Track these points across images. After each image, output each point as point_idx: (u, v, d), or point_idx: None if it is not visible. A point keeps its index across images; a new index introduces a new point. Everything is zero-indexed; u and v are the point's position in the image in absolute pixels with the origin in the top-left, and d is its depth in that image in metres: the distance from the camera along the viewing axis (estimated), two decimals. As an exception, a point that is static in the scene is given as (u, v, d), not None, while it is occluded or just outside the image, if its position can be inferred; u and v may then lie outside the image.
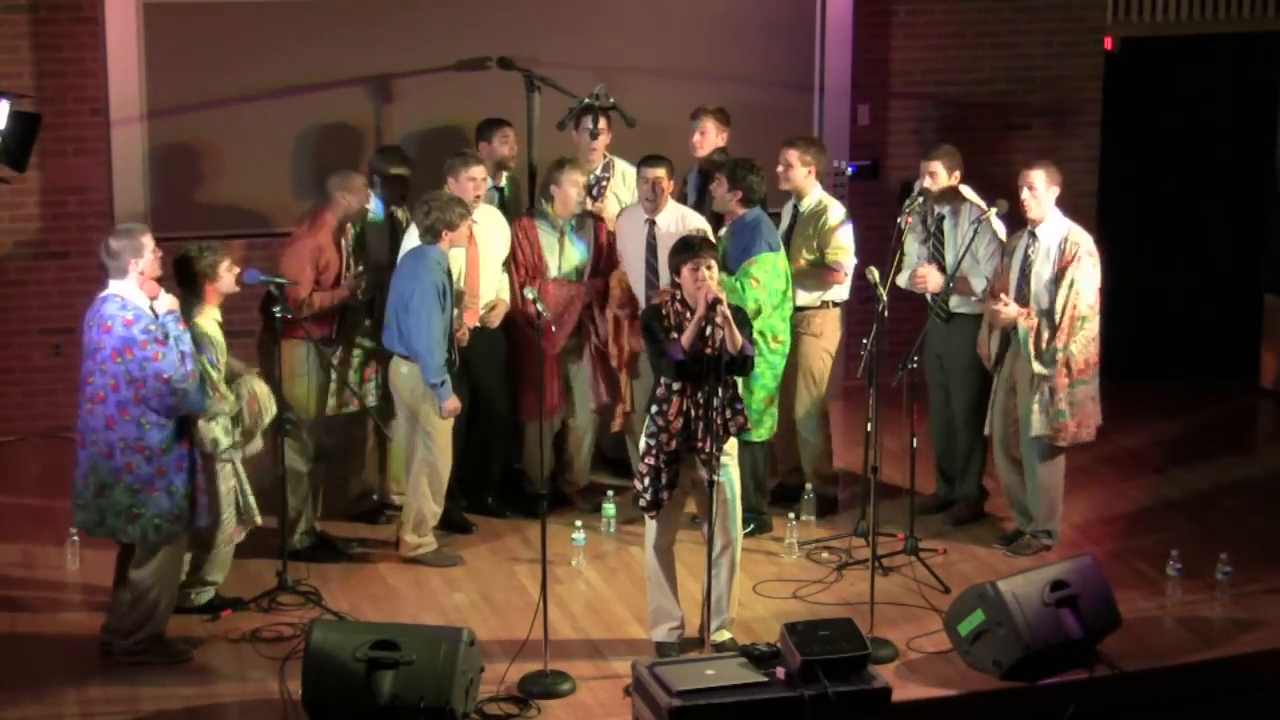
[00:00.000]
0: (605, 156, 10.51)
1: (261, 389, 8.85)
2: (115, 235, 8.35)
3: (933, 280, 9.87)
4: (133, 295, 8.23)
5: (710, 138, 10.48)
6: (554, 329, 9.81)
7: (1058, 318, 9.43)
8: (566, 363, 10.21)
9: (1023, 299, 9.56)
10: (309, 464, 9.67)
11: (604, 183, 10.48)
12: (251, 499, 8.86)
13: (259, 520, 8.93)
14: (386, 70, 11.39)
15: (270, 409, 8.86)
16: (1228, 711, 8.79)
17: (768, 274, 9.54)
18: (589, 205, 10.32)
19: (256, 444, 8.86)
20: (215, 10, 11.19)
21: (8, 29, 11.02)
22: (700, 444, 8.34)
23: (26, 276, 11.34)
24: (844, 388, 11.74)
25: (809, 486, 10.27)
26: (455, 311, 9.54)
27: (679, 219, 9.98)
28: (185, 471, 8.37)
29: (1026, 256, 9.58)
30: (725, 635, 8.67)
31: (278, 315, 9.24)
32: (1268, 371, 12.55)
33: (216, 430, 8.57)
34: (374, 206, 9.96)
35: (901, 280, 9.94)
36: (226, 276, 8.72)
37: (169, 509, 8.33)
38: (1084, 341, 9.51)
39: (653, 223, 9.99)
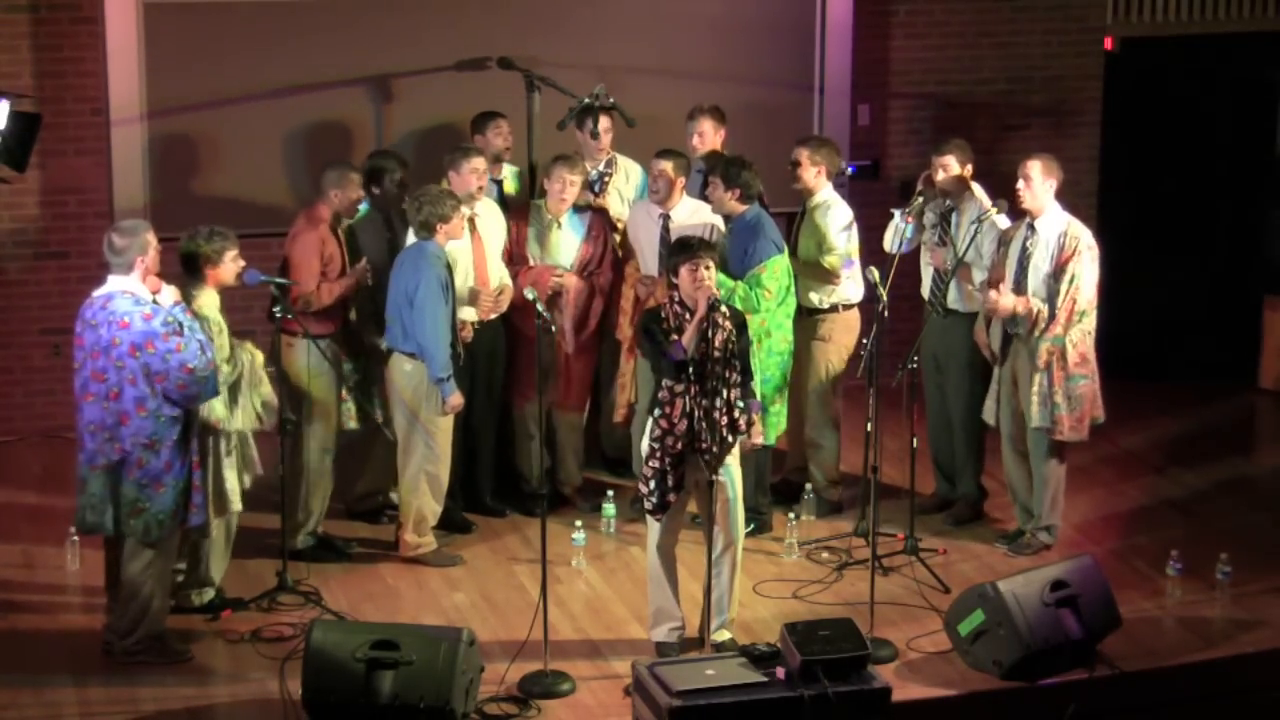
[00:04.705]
0: (608, 153, 10.51)
1: (257, 359, 8.85)
2: (120, 232, 8.35)
3: (942, 255, 9.89)
4: (141, 290, 8.25)
5: (708, 138, 10.47)
6: (550, 321, 9.77)
7: (1057, 311, 9.44)
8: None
9: (1019, 291, 9.55)
10: (331, 463, 9.68)
11: (606, 179, 10.48)
12: (244, 476, 8.90)
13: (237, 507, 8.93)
14: (386, 70, 11.39)
15: (259, 384, 8.85)
16: (1228, 711, 8.79)
17: (777, 279, 9.55)
18: (590, 201, 10.34)
19: (256, 403, 8.84)
20: (215, 10, 11.19)
21: (8, 29, 11.02)
22: (704, 445, 8.34)
23: (26, 276, 11.34)
24: (844, 388, 11.73)
25: (809, 486, 10.27)
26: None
27: (693, 213, 9.98)
28: (187, 467, 8.40)
29: (1025, 248, 9.59)
30: (725, 635, 8.67)
31: (277, 315, 9.25)
32: (1267, 372, 12.54)
33: (216, 404, 8.59)
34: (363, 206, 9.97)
35: (892, 244, 9.90)
36: (230, 265, 8.74)
37: (171, 504, 8.35)
38: (1079, 335, 9.52)
39: (667, 216, 9.99)
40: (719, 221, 9.86)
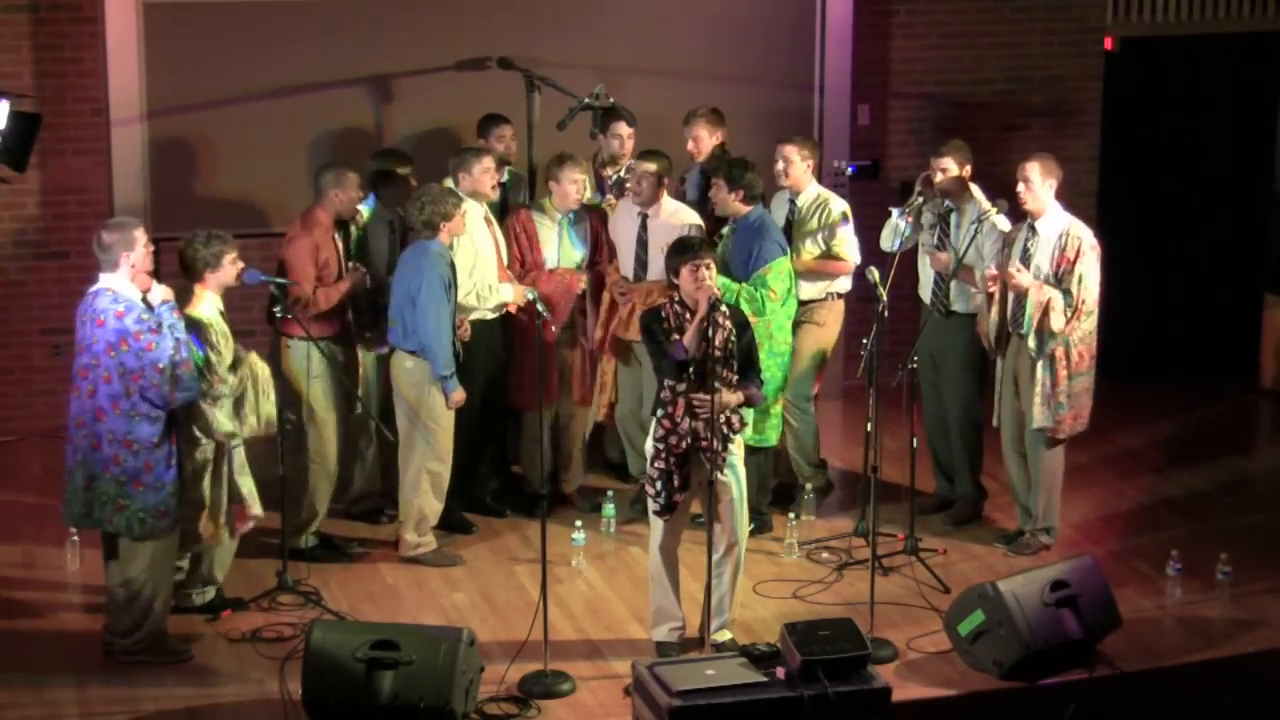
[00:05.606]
0: (631, 160, 10.52)
1: (263, 371, 8.85)
2: (108, 229, 8.39)
3: (942, 259, 9.89)
4: (124, 288, 8.27)
5: (704, 143, 10.48)
6: (550, 323, 9.81)
7: (1065, 310, 9.43)
8: (560, 353, 10.20)
9: (1019, 293, 9.54)
10: (334, 465, 9.67)
11: (627, 185, 10.48)
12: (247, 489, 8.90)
13: (258, 512, 8.92)
14: (387, 70, 11.39)
15: (269, 392, 8.84)
16: (1228, 711, 8.79)
17: (781, 281, 9.56)
18: (612, 205, 10.35)
19: (252, 424, 8.83)
20: (215, 10, 11.19)
21: (8, 29, 11.03)
22: (706, 443, 8.34)
23: (26, 276, 11.35)
24: (844, 388, 11.75)
25: (808, 486, 10.26)
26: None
27: (673, 214, 9.99)
28: (174, 468, 8.39)
29: (1026, 249, 9.58)
30: (726, 635, 8.67)
31: (278, 315, 9.24)
32: (1268, 371, 12.55)
33: (222, 417, 8.59)
34: (365, 208, 9.95)
35: (890, 243, 9.91)
36: (229, 268, 8.73)
37: (155, 504, 8.34)
38: (1082, 334, 9.52)
39: (646, 216, 10.00)
40: (700, 223, 9.88)
